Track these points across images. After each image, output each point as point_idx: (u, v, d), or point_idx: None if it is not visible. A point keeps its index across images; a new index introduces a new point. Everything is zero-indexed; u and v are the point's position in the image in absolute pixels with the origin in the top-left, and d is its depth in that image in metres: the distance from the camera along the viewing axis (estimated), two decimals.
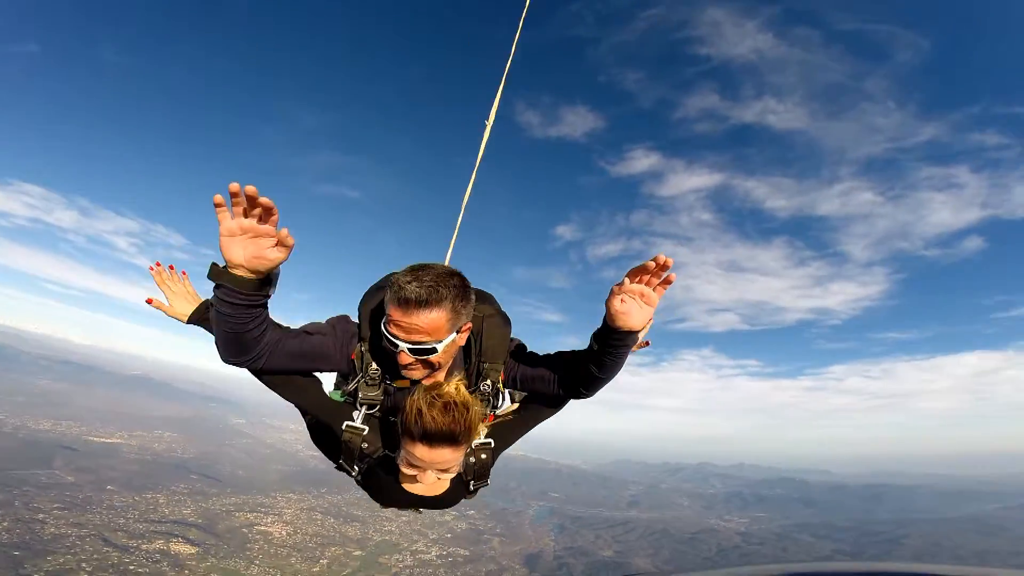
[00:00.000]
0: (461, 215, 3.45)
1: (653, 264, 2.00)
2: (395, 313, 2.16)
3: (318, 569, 72.16)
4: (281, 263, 1.91)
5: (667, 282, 2.11)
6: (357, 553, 78.42)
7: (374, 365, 2.44)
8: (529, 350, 2.80)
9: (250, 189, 1.70)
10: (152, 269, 2.74)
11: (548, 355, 2.68)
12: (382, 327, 2.25)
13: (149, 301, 2.69)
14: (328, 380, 2.73)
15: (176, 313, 2.69)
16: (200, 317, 2.70)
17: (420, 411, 2.04)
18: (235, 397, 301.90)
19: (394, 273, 2.31)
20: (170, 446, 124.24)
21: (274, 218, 1.79)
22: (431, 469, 2.17)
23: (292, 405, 2.65)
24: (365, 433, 2.45)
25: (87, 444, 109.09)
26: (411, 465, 2.19)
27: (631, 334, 2.20)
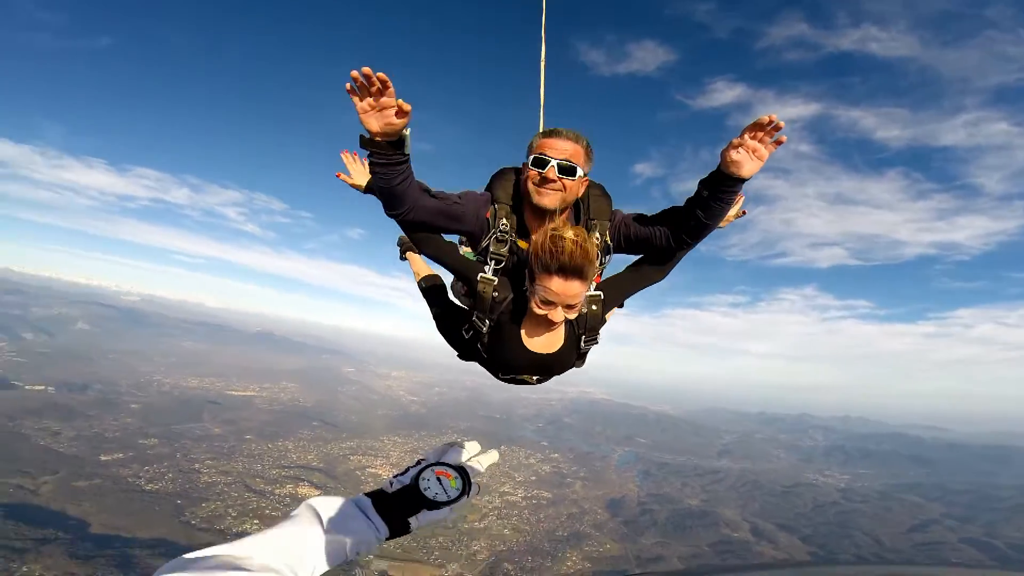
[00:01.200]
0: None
1: (767, 119, 2.32)
2: (547, 141, 2.78)
3: None
4: (406, 126, 2.40)
5: (778, 142, 2.42)
6: None
7: (504, 221, 2.91)
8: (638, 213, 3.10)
9: (366, 70, 2.15)
10: (343, 153, 3.44)
11: (654, 214, 2.97)
12: (530, 157, 2.79)
13: (338, 175, 3.34)
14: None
15: (356, 184, 3.33)
16: (372, 189, 3.05)
17: (555, 243, 2.46)
18: (345, 348, 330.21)
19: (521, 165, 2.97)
20: (294, 396, 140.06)
21: (390, 90, 2.22)
22: (561, 304, 2.54)
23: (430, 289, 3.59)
24: (496, 283, 2.87)
25: (228, 398, 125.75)
26: (544, 302, 2.57)
27: (740, 182, 2.50)
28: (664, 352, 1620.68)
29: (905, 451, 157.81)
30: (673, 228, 2.83)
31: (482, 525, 74.21)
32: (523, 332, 2.86)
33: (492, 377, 3.26)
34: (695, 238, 2.82)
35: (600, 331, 3.02)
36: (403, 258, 4.33)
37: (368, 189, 3.24)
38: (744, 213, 3.45)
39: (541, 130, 2.96)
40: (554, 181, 2.73)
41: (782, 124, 2.31)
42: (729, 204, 2.64)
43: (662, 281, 3.15)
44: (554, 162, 2.71)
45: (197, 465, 78.05)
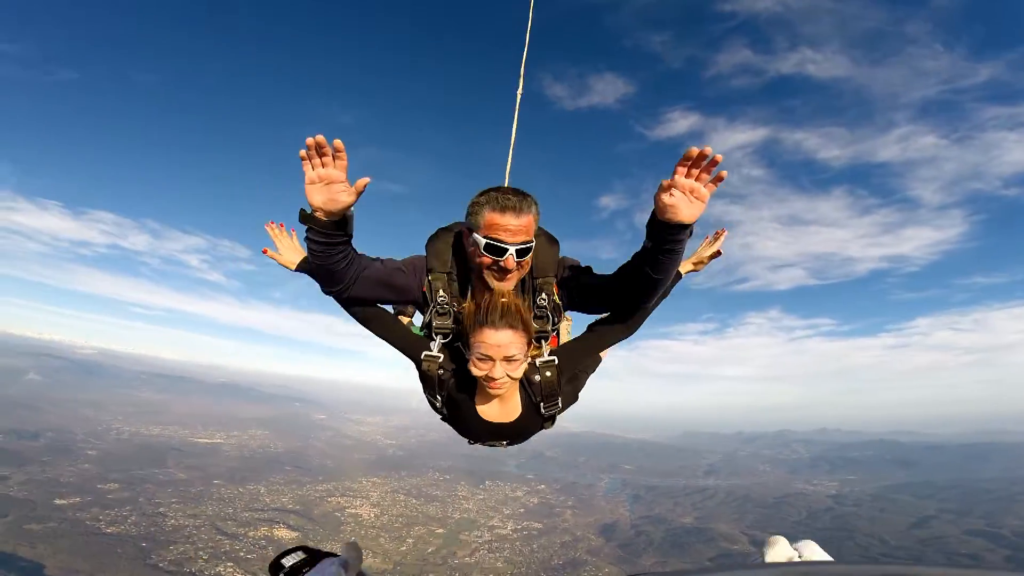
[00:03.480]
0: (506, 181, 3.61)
1: (695, 151, 2.05)
2: (499, 219, 2.48)
3: (405, 548, 76.20)
4: (351, 206, 2.26)
5: (719, 179, 2.14)
6: (440, 531, 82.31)
7: (441, 292, 2.74)
8: (586, 266, 2.94)
9: (320, 138, 2.07)
10: (268, 226, 3.12)
11: (606, 276, 2.77)
12: (479, 238, 2.53)
13: (265, 251, 3.04)
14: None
15: (286, 261, 3.03)
16: (303, 267, 2.95)
17: (480, 303, 2.50)
18: (314, 396, 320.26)
19: (457, 223, 2.87)
20: (263, 442, 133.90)
21: (342, 163, 2.14)
22: (498, 358, 2.43)
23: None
24: (441, 360, 2.72)
25: (192, 445, 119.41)
26: (480, 359, 2.46)
27: (683, 228, 2.21)
28: (639, 383, 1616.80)
29: (888, 455, 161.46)
30: (622, 288, 2.62)
31: (473, 560, 70.79)
32: (476, 404, 2.76)
33: None
34: (648, 298, 2.59)
35: (560, 396, 2.85)
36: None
37: (300, 268, 2.97)
38: (720, 253, 3.24)
39: (483, 194, 2.60)
40: (512, 268, 2.56)
41: (719, 158, 2.05)
42: (678, 254, 2.34)
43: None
44: (512, 250, 2.50)
45: (163, 508, 72.92)
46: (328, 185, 2.15)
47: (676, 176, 2.10)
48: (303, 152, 2.10)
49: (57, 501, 68.60)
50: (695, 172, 2.09)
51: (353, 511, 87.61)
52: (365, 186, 2.21)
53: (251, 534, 70.19)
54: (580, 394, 3.29)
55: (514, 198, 2.51)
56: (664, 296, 2.76)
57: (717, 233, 3.30)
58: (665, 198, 2.12)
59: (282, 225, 3.14)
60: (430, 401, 2.94)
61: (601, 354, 3.37)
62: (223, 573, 58.28)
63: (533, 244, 2.59)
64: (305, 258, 2.93)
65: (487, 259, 2.53)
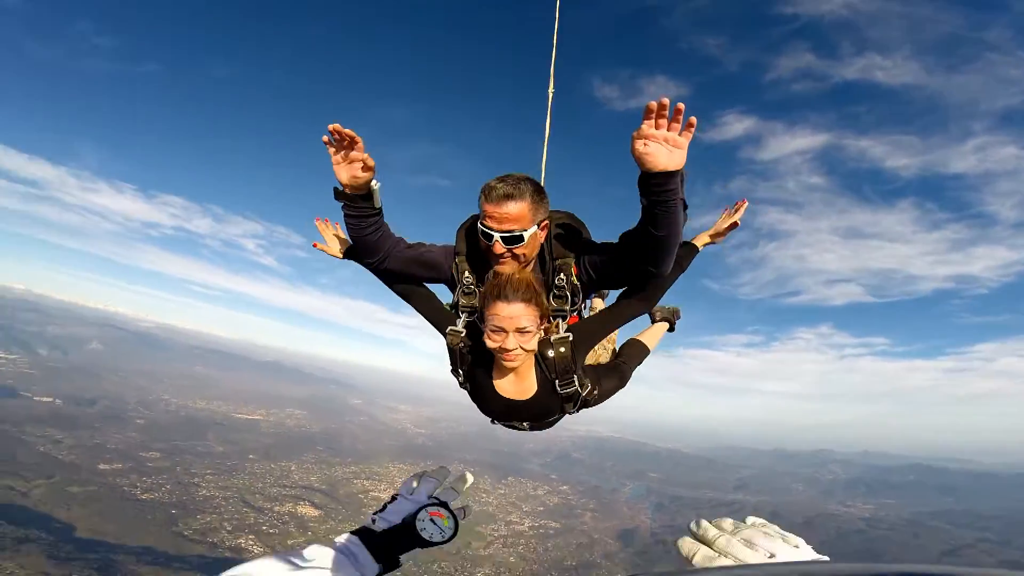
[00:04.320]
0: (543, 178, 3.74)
1: (654, 104, 2.09)
2: (488, 208, 2.65)
3: None
4: (371, 180, 2.58)
5: (690, 125, 2.16)
6: None
7: (467, 273, 2.92)
8: (604, 242, 2.94)
9: (335, 126, 2.39)
10: (317, 221, 3.41)
11: (615, 243, 2.77)
12: (478, 226, 2.72)
13: (315, 245, 3.34)
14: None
15: (334, 252, 3.33)
16: (350, 253, 3.26)
17: (495, 276, 2.65)
18: (354, 381, 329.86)
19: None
20: (300, 422, 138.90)
21: (359, 145, 2.44)
22: (510, 329, 2.51)
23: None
24: (463, 334, 2.90)
25: (233, 420, 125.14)
26: (493, 331, 2.55)
27: (671, 177, 2.22)
28: (677, 392, 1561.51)
29: (930, 481, 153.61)
30: (630, 251, 2.61)
31: (487, 552, 70.79)
32: (494, 378, 2.87)
33: None
34: (657, 262, 2.56)
35: (576, 375, 2.84)
36: None
37: (346, 255, 3.24)
38: (737, 225, 3.23)
39: (485, 184, 2.73)
40: (503, 253, 2.70)
41: (681, 106, 2.09)
42: (673, 206, 2.30)
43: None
44: (497, 236, 2.65)
45: (197, 479, 76.32)
46: (350, 164, 2.50)
47: (644, 127, 2.15)
48: (325, 137, 2.44)
49: (101, 466, 72.98)
50: (664, 123, 2.14)
51: (376, 494, 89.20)
52: (373, 164, 2.51)
53: (276, 509, 72.58)
54: (628, 384, 3.44)
55: (502, 187, 2.62)
56: (680, 270, 2.97)
57: (737, 204, 3.33)
58: (639, 146, 2.17)
59: (327, 220, 3.37)
60: (455, 376, 3.08)
61: (649, 345, 3.77)
62: (243, 545, 60.48)
63: (527, 232, 2.65)
64: (349, 246, 3.20)
65: (483, 243, 2.73)
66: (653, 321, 4.10)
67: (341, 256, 3.27)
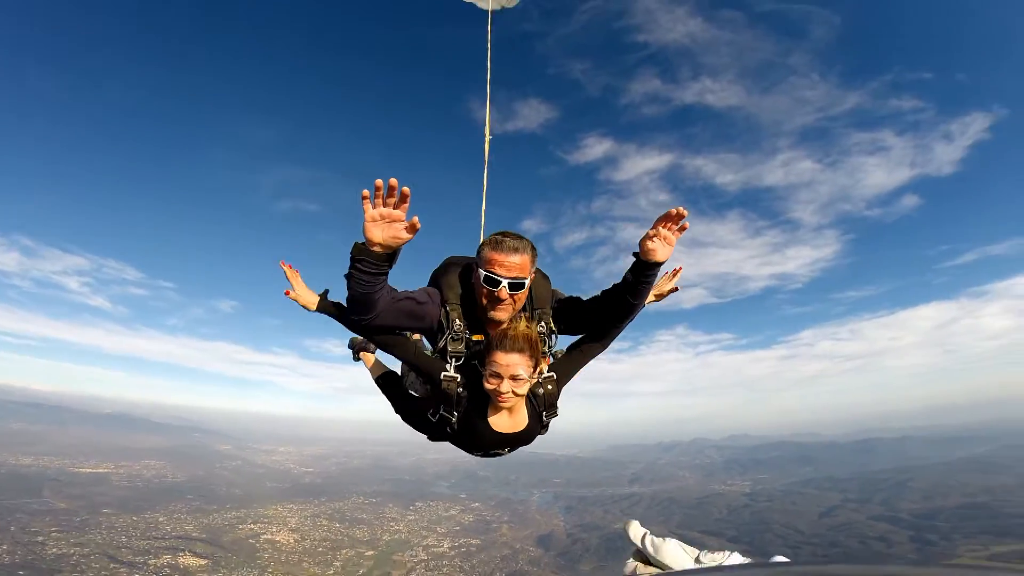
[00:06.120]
0: (483, 226, 4.35)
1: (675, 211, 2.74)
2: (497, 257, 2.97)
3: (332, 572, 70.94)
4: (408, 242, 2.57)
5: (683, 228, 2.84)
6: (369, 553, 77.23)
7: (457, 322, 3.16)
8: (574, 296, 3.50)
9: (392, 181, 2.38)
10: (284, 265, 3.36)
11: (589, 298, 3.35)
12: (482, 272, 3.00)
13: (287, 293, 3.29)
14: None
15: (306, 302, 3.28)
16: (324, 307, 3.29)
17: (505, 329, 2.95)
18: (218, 427, 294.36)
19: (457, 256, 3.42)
20: (159, 472, 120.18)
21: (406, 204, 2.43)
22: (507, 376, 2.87)
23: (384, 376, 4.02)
24: (459, 380, 3.13)
25: (73, 475, 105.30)
26: (492, 376, 2.91)
27: (657, 266, 2.90)
28: (563, 403, 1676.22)
29: (790, 455, 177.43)
30: (607, 311, 3.22)
31: None
32: (488, 416, 3.20)
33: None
34: (627, 318, 3.25)
35: (558, 405, 3.40)
36: (357, 359, 4.52)
37: (321, 309, 3.30)
38: (677, 289, 3.96)
39: (488, 238, 3.12)
40: (505, 299, 3.03)
41: (685, 212, 2.76)
42: (651, 285, 3.07)
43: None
44: (505, 283, 2.98)
45: (40, 538, 63.38)
46: (390, 223, 2.46)
47: (657, 227, 2.80)
48: (365, 192, 2.37)
49: None
50: (667, 224, 2.79)
51: (269, 537, 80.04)
52: (419, 226, 2.49)
53: (152, 562, 62.22)
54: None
55: (511, 240, 3.01)
56: (631, 320, 3.34)
57: (675, 270, 3.97)
58: (649, 244, 2.82)
59: (290, 266, 3.33)
60: (432, 416, 3.36)
61: None
62: None
63: (527, 280, 3.05)
64: (323, 299, 3.30)
65: (485, 290, 3.01)
66: None
67: (314, 309, 3.33)
